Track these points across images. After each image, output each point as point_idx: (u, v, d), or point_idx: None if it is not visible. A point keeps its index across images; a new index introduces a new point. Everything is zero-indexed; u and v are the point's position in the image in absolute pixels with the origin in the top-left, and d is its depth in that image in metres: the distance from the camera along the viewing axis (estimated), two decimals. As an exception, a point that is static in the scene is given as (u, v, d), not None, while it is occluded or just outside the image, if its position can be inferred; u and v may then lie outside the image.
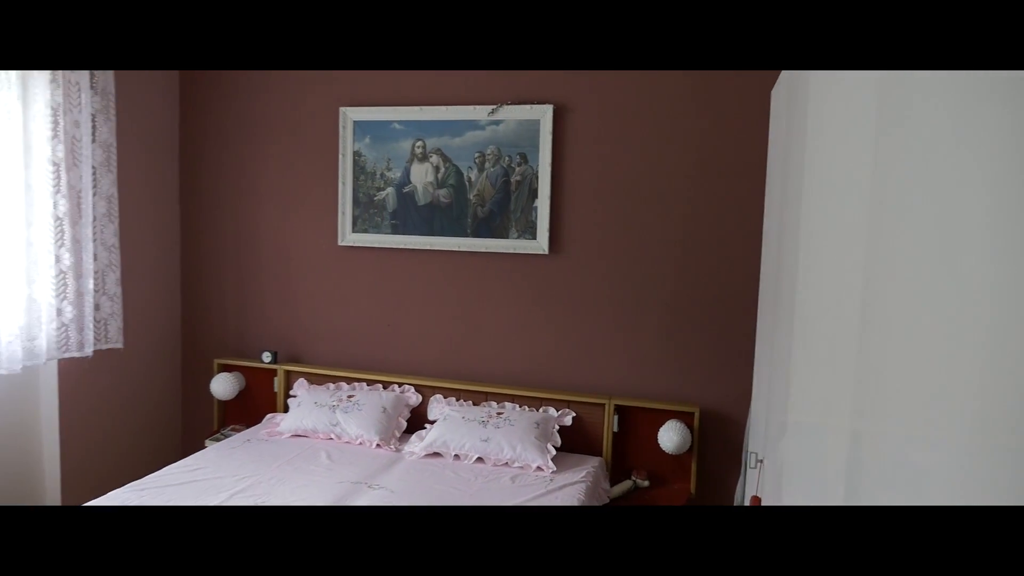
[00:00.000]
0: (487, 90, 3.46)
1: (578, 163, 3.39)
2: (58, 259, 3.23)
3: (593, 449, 3.38)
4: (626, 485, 3.23)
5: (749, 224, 3.11)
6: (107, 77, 3.42)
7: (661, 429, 3.22)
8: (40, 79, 3.10)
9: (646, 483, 3.25)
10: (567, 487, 2.93)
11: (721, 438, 3.29)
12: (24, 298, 3.10)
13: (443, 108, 3.51)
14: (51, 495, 3.39)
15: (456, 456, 3.20)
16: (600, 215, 3.38)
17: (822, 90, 1.42)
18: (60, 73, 3.17)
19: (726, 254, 3.22)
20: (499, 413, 3.33)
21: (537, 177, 3.41)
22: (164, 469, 2.97)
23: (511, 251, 3.48)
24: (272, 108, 3.82)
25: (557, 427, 3.31)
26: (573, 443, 3.37)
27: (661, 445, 3.21)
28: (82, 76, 3.27)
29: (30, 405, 3.34)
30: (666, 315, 3.33)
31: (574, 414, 3.38)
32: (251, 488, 2.80)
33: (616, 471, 3.36)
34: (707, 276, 3.26)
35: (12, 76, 2.99)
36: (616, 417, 3.34)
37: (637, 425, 3.36)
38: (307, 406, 3.49)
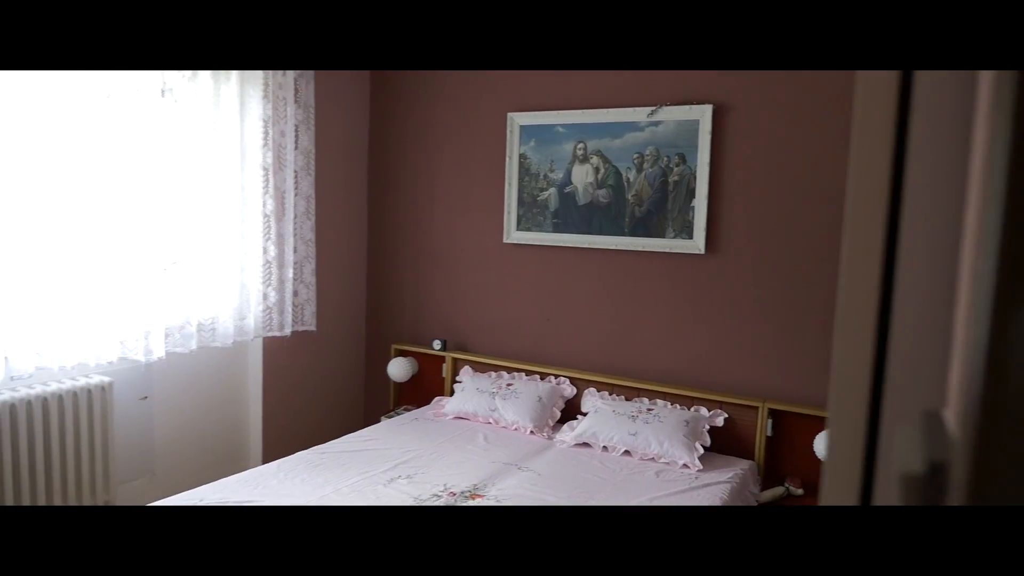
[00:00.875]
0: (647, 91, 3.52)
1: (736, 163, 3.36)
2: (265, 251, 3.73)
3: (744, 452, 3.34)
4: (778, 491, 3.17)
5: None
6: (308, 92, 3.89)
7: (818, 436, 3.12)
8: (255, 95, 3.60)
9: (800, 491, 3.16)
10: (711, 486, 2.94)
11: (885, 450, 3.12)
12: (237, 284, 3.63)
13: (604, 111, 3.62)
14: (254, 449, 3.94)
15: (604, 448, 3.31)
16: (758, 215, 3.33)
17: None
18: (271, 90, 3.66)
19: (895, 257, 3.04)
20: (649, 409, 3.39)
21: (695, 177, 3.42)
22: (343, 437, 3.36)
23: (667, 250, 3.52)
24: (447, 114, 4.13)
25: (707, 427, 3.31)
26: (724, 444, 3.35)
27: (817, 453, 3.11)
28: (288, 92, 3.76)
29: (240, 374, 3.90)
30: (826, 319, 3.21)
31: (726, 415, 3.36)
32: (413, 460, 3.09)
33: (768, 476, 3.30)
34: (873, 279, 3.09)
35: (233, 94, 3.51)
36: (770, 421, 3.28)
37: (792, 431, 3.27)
38: (470, 391, 3.76)
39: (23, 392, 2.87)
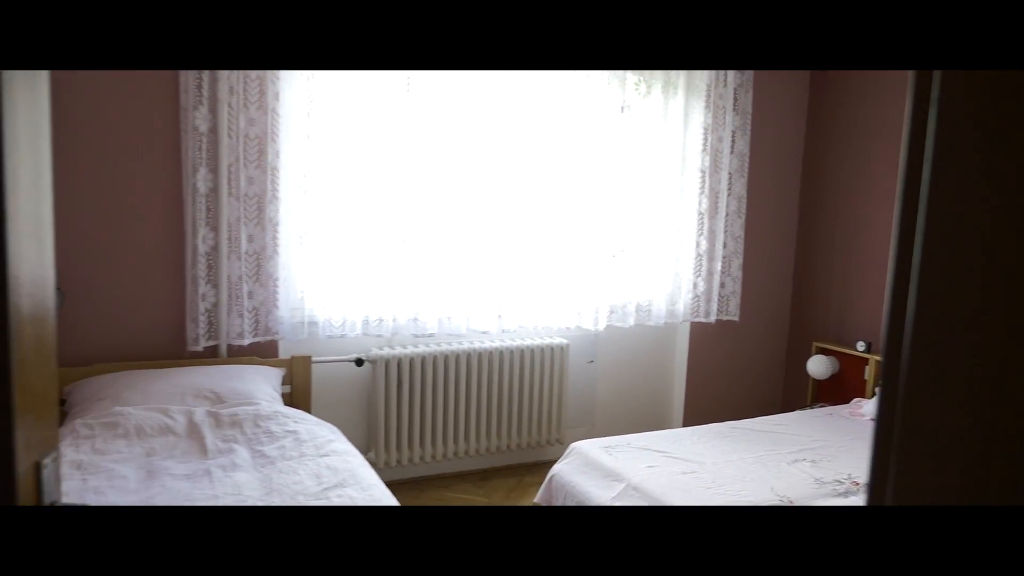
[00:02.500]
0: None
1: None
2: (697, 245, 4.18)
3: None
4: None
5: None
6: (747, 100, 4.21)
7: None
8: (697, 106, 4.07)
9: None
10: None
11: None
12: (671, 273, 4.15)
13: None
14: (676, 415, 4.45)
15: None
16: None
17: None
18: (712, 100, 4.08)
19: None
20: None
21: None
22: (755, 418, 3.63)
23: None
24: (888, 110, 4.05)
25: None
26: None
27: None
28: (727, 101, 4.13)
29: (668, 351, 4.44)
30: None
31: None
32: (820, 449, 3.21)
33: None
34: None
35: (679, 106, 4.02)
36: None
37: None
38: (891, 395, 3.67)
39: (510, 342, 3.81)
